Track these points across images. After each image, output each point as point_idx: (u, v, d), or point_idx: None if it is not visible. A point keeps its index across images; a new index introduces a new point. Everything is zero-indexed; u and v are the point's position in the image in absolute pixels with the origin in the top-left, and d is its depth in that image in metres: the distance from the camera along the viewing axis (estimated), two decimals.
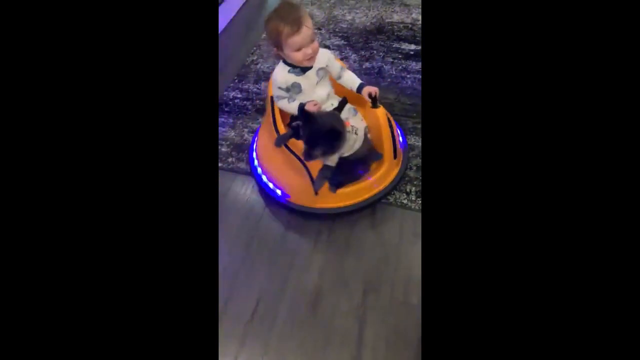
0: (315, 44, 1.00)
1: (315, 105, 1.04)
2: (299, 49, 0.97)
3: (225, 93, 1.52)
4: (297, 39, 0.95)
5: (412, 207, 1.12)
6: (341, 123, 0.98)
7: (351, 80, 1.09)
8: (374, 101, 1.05)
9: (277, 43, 0.98)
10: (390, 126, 1.07)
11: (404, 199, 1.13)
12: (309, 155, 0.94)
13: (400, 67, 1.56)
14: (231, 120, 1.41)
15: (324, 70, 1.06)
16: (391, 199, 1.13)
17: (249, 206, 1.17)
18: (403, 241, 1.05)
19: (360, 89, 1.07)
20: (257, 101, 1.48)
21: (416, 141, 1.29)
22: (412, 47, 1.66)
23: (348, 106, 1.10)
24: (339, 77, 1.10)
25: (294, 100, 1.06)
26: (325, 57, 1.06)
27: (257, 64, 1.64)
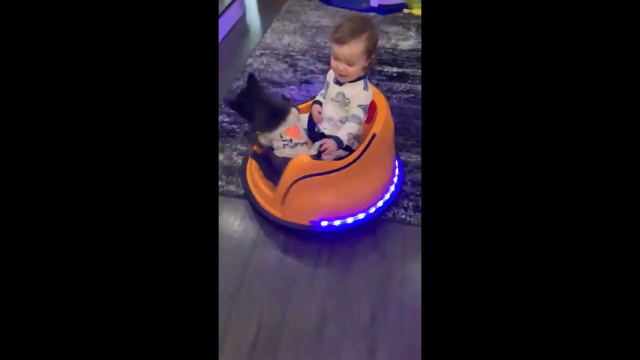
0: (350, 69, 0.96)
1: (319, 112, 1.09)
2: (335, 58, 0.97)
3: None
4: (335, 48, 0.96)
5: (412, 221, 1.10)
6: (271, 110, 1.05)
7: (342, 129, 1.00)
8: (318, 155, 0.97)
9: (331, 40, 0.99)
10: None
11: (402, 214, 1.12)
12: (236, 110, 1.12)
13: (385, 88, 1.60)
14: (219, 144, 1.38)
15: (343, 99, 1.02)
16: (390, 215, 1.11)
17: (242, 229, 1.12)
18: (407, 257, 1.02)
19: (329, 137, 1.00)
20: (245, 125, 1.46)
21: (408, 157, 1.30)
22: (395, 69, 1.72)
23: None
24: (344, 120, 1.03)
25: (321, 98, 1.13)
26: (355, 92, 1.00)
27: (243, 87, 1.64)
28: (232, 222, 1.14)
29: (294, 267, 1.03)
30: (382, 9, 2.14)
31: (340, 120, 1.05)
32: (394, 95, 1.56)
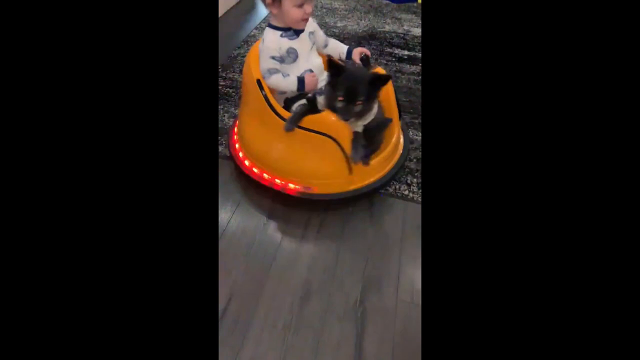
0: (313, 3, 0.90)
1: (314, 77, 0.92)
2: (300, 5, 0.86)
3: None
4: None
5: (415, 198, 0.98)
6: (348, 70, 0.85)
7: (339, 46, 1.00)
8: (366, 61, 0.95)
9: None
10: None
11: (405, 189, 1.00)
12: (347, 111, 0.82)
13: (394, 69, 1.51)
14: None
15: (314, 36, 0.97)
16: (390, 190, 1.00)
17: (226, 192, 0.99)
18: (406, 234, 0.90)
19: (349, 53, 0.98)
20: (242, 89, 1.35)
21: (414, 135, 1.19)
22: (405, 52, 1.63)
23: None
24: (325, 45, 1.00)
25: (287, 76, 0.91)
26: (313, 23, 0.97)
27: (243, 56, 1.54)
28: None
29: (278, 235, 0.90)
30: None
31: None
32: (403, 76, 1.47)
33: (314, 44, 0.97)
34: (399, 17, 1.92)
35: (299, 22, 0.90)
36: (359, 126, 0.88)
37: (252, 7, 2.02)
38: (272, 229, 0.91)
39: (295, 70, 0.94)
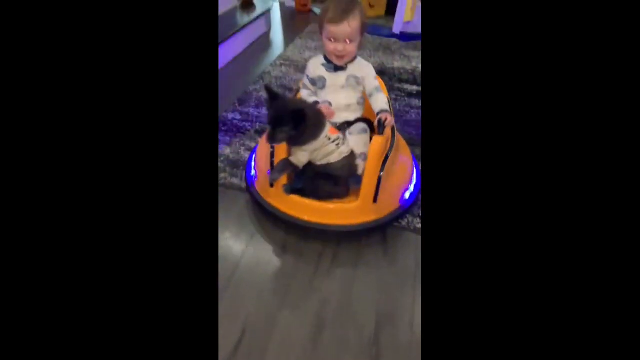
0: (350, 46, 0.95)
1: (327, 109, 0.98)
2: (331, 39, 0.94)
3: (224, 114, 1.45)
4: (332, 29, 0.93)
5: None
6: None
7: (379, 102, 0.98)
8: (381, 127, 0.94)
9: (321, 24, 0.97)
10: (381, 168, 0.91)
11: (418, 223, 1.01)
12: (271, 137, 0.83)
13: (404, 103, 1.56)
14: (228, 139, 1.32)
15: (356, 80, 1.00)
16: (403, 223, 1.00)
17: (240, 223, 1.01)
18: (421, 268, 0.90)
19: (379, 112, 0.97)
20: (257, 124, 1.41)
21: None
22: (414, 87, 1.68)
23: (361, 125, 1.01)
24: (370, 95, 1.00)
25: (313, 96, 1.03)
26: (365, 70, 1.01)
27: (259, 92, 1.62)
28: (230, 213, 1.04)
29: (291, 266, 0.90)
30: (404, 37, 2.17)
31: (358, 102, 1.03)
32: (412, 110, 1.52)
33: (350, 86, 1.00)
34: (407, 54, 2.00)
35: (332, 56, 0.97)
36: (297, 157, 0.90)
37: (268, 45, 2.14)
38: (285, 261, 0.92)
39: (321, 96, 1.03)
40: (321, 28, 0.97)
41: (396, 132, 1.03)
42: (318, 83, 1.02)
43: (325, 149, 0.90)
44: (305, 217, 0.92)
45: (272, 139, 0.84)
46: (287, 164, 0.90)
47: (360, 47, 1.01)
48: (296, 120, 0.81)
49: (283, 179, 0.93)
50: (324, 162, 0.92)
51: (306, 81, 1.05)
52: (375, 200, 0.90)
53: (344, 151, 0.93)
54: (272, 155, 0.92)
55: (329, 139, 0.90)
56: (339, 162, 0.92)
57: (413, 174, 1.08)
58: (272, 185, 0.93)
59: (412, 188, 1.04)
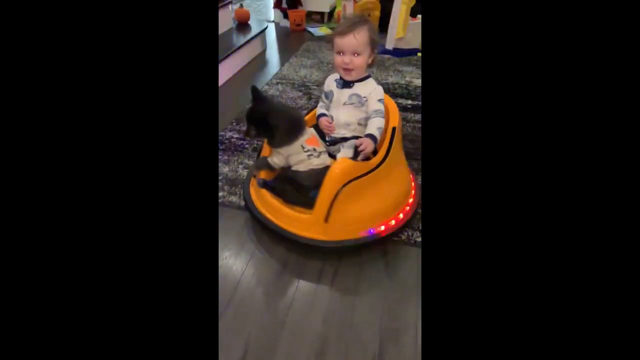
0: (357, 60, 0.95)
1: (326, 121, 1.01)
2: (339, 52, 0.96)
3: (222, 133, 1.46)
4: (339, 41, 0.95)
5: None
6: (291, 120, 0.95)
7: (370, 126, 0.96)
8: (356, 153, 0.93)
9: (332, 40, 0.98)
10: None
11: (418, 237, 1.01)
12: (245, 131, 0.97)
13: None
14: (226, 157, 1.33)
15: (359, 99, 0.98)
16: (403, 237, 1.00)
17: (240, 242, 1.01)
18: (421, 282, 0.89)
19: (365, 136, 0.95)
20: (255, 142, 1.42)
21: None
22: (409, 102, 1.71)
23: (353, 142, 1.01)
24: (369, 117, 0.98)
25: (322, 107, 1.07)
26: (369, 90, 0.98)
27: None
28: (229, 231, 1.03)
29: (292, 285, 0.90)
30: (397, 52, 2.21)
31: (359, 123, 1.01)
32: (408, 124, 1.54)
33: (352, 103, 0.99)
34: (400, 69, 2.04)
35: (339, 69, 0.98)
36: (273, 159, 0.99)
37: (264, 64, 2.18)
38: (286, 279, 0.91)
39: (330, 110, 1.06)
40: (332, 44, 0.98)
41: (387, 161, 0.94)
42: (328, 97, 1.04)
43: (297, 157, 0.96)
44: (267, 214, 0.97)
45: (245, 133, 0.97)
46: (264, 162, 1.01)
47: (373, 63, 1.00)
48: (260, 123, 0.93)
49: (263, 174, 1.02)
50: (294, 168, 0.97)
51: (322, 94, 1.08)
52: (326, 220, 0.89)
53: (314, 163, 0.96)
54: (259, 153, 1.05)
55: (303, 148, 0.95)
56: (305, 172, 0.96)
57: (405, 207, 1.01)
58: (254, 177, 1.05)
59: (393, 222, 0.96)
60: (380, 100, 0.98)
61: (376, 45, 0.98)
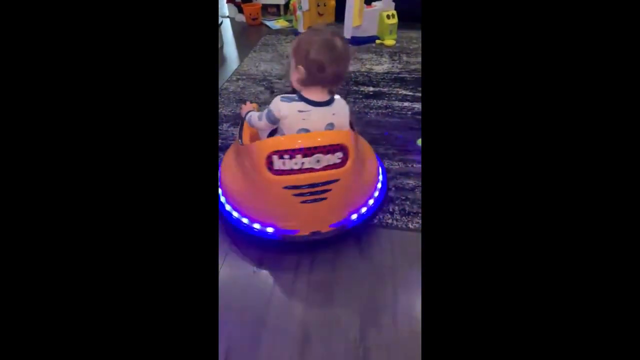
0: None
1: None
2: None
3: None
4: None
5: (399, 225, 1.01)
6: None
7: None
8: None
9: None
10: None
11: (388, 218, 1.03)
12: None
13: (362, 105, 1.59)
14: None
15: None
16: (375, 220, 1.02)
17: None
18: (397, 263, 0.91)
19: None
20: (220, 140, 1.38)
21: (389, 164, 1.24)
22: (371, 88, 1.73)
23: None
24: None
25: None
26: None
27: (220, 108, 1.59)
28: None
29: (270, 281, 0.89)
30: (355, 40, 2.22)
31: None
32: (371, 111, 1.55)
33: None
34: (360, 57, 2.06)
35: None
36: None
37: (223, 60, 2.12)
38: (263, 276, 0.90)
39: None
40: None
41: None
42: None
43: None
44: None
45: None
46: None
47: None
48: None
49: None
50: None
51: None
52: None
53: None
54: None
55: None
56: None
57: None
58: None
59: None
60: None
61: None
